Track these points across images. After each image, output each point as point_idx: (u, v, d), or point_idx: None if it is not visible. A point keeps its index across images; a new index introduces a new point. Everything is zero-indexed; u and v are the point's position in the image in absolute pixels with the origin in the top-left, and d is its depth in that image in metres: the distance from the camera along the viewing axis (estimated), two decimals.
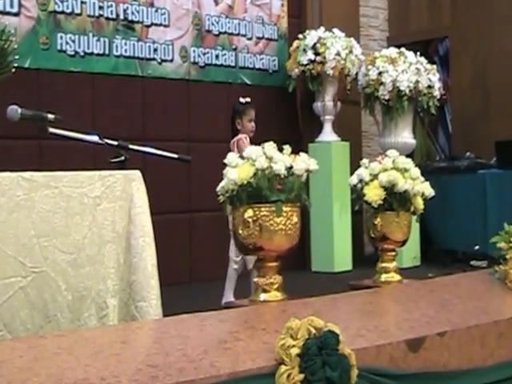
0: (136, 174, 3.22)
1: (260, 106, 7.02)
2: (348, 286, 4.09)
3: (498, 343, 3.09)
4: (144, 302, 3.14)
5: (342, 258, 6.91)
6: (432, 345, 2.82)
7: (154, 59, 6.42)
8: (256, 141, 6.39)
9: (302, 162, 3.25)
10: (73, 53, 5.98)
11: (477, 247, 6.53)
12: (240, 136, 5.22)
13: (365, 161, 3.90)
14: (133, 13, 6.31)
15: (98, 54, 6.12)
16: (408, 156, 7.36)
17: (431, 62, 7.79)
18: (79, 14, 6.01)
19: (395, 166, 3.83)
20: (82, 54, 6.03)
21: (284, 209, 3.22)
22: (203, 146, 6.47)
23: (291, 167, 3.25)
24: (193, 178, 6.37)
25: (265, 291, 3.33)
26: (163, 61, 6.48)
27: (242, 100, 5.34)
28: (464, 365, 2.91)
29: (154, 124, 6.35)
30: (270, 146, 3.28)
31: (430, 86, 7.13)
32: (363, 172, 3.81)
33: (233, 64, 6.93)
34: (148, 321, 3.06)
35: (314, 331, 2.42)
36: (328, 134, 7.17)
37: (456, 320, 3.08)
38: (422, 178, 3.92)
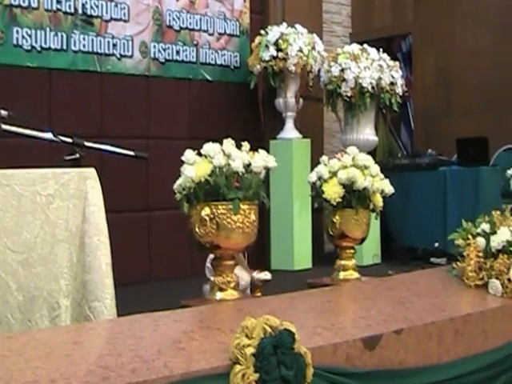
0: (91, 172, 3.20)
1: (221, 102, 7.03)
2: (306, 284, 4.11)
3: (455, 340, 3.13)
4: (98, 301, 3.12)
5: (301, 256, 6.91)
6: (388, 342, 2.84)
7: (113, 55, 6.36)
8: (217, 138, 6.40)
9: (261, 160, 3.26)
10: (29, 48, 5.90)
11: (436, 244, 6.57)
12: None
13: (324, 158, 3.91)
14: (92, 7, 6.25)
15: (55, 49, 6.03)
16: (370, 153, 7.46)
17: (394, 58, 7.83)
18: (36, 8, 5.93)
19: (355, 164, 3.85)
20: (38, 49, 5.94)
21: (242, 207, 3.22)
22: (163, 144, 6.45)
23: (249, 165, 3.25)
24: (152, 176, 6.33)
25: (221, 290, 3.33)
26: (122, 56, 6.42)
27: None
28: (420, 362, 2.94)
29: (113, 121, 6.30)
30: (229, 143, 3.27)
31: (392, 83, 7.16)
32: (322, 169, 3.82)
33: (194, 60, 6.89)
34: (101, 321, 3.05)
35: (269, 330, 2.43)
36: (289, 131, 7.17)
37: (413, 317, 3.11)
38: (382, 176, 3.94)
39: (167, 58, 6.72)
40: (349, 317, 3.16)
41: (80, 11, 6.18)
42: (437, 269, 4.13)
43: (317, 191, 3.88)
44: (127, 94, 6.43)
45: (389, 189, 3.99)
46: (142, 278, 6.09)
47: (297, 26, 6.99)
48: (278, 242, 7.01)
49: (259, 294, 4.07)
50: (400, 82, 7.24)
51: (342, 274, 3.97)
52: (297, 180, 6.84)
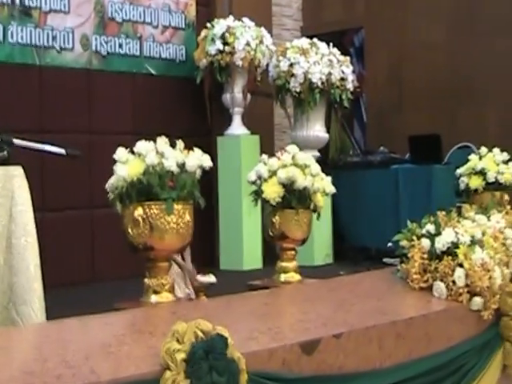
0: (18, 170, 3.16)
1: (166, 97, 6.99)
2: (246, 286, 4.11)
3: (396, 344, 3.15)
4: (26, 305, 3.09)
5: (251, 256, 6.92)
6: (327, 347, 2.84)
7: (52, 47, 6.30)
8: (162, 133, 6.37)
9: (195, 159, 3.24)
10: None
11: (390, 244, 6.59)
12: None
13: (264, 156, 3.91)
14: None
15: None
16: (321, 150, 7.51)
17: (346, 53, 7.88)
18: None
19: (295, 163, 3.85)
20: None
21: (176, 207, 3.21)
22: (106, 139, 6.39)
23: (184, 163, 3.24)
24: (95, 172, 6.27)
25: (155, 292, 3.32)
26: (63, 49, 6.36)
27: None
28: (361, 367, 2.95)
29: (53, 116, 6.23)
30: (162, 141, 3.26)
31: (342, 79, 7.20)
32: (262, 168, 3.82)
33: (137, 53, 6.86)
34: (28, 325, 3.02)
35: (201, 335, 2.42)
36: (237, 127, 7.17)
37: (353, 321, 3.12)
38: (323, 175, 3.95)
39: (109, 51, 6.68)
40: (286, 320, 3.16)
41: (17, 2, 6.10)
42: (382, 270, 4.15)
43: (256, 191, 3.87)
44: (68, 88, 6.36)
45: (330, 188, 3.99)
46: (84, 278, 6.02)
47: (244, 19, 6.99)
48: (227, 241, 7.01)
49: (204, 297, 4.06)
50: (351, 77, 7.29)
51: (282, 276, 3.96)
52: (246, 177, 6.83)
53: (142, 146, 3.24)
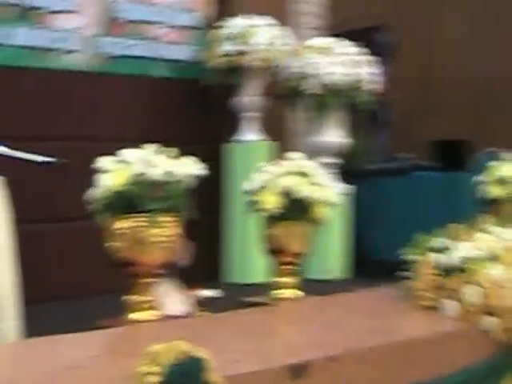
0: None
1: (174, 101, 6.94)
2: (239, 303, 4.02)
3: (397, 368, 3.05)
4: (1, 322, 3.06)
5: (258, 269, 6.83)
6: (319, 370, 2.76)
7: (54, 49, 6.29)
8: (169, 140, 6.31)
9: (183, 167, 3.18)
10: None
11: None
12: None
13: (264, 164, 3.83)
14: None
15: None
16: (341, 157, 7.41)
17: (374, 52, 7.76)
18: None
19: (295, 170, 3.75)
20: None
21: (161, 219, 3.15)
22: (109, 146, 6.34)
23: (171, 172, 3.18)
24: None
25: (138, 310, 3.26)
26: (67, 51, 6.35)
27: None
28: None
29: (54, 122, 6.22)
30: (149, 149, 3.21)
31: (364, 80, 7.08)
32: (260, 176, 3.73)
33: (145, 55, 6.83)
34: None
35: (178, 357, 2.37)
36: (248, 133, 7.08)
37: (350, 342, 3.03)
38: (330, 183, 3.84)
39: (115, 52, 6.64)
40: (276, 341, 3.07)
41: (20, 2, 6.10)
42: (389, 286, 4.05)
43: (253, 201, 3.79)
44: (69, 92, 6.34)
45: (334, 199, 3.87)
46: (58, 294, 5.88)
47: (257, 17, 6.92)
48: (234, 253, 6.94)
49: (206, 312, 4.01)
50: (373, 78, 7.14)
51: (279, 293, 3.87)
52: None
53: (126, 153, 3.18)
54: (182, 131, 6.59)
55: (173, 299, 3.94)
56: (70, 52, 6.37)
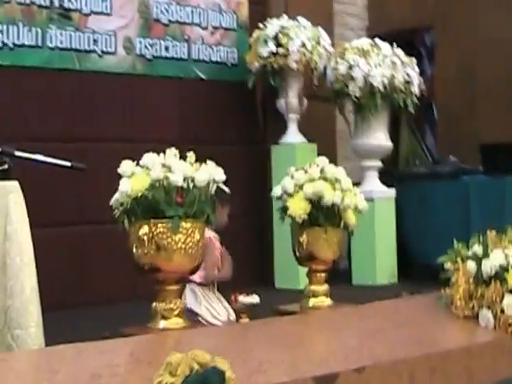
0: (14, 186, 3.12)
1: (216, 103, 6.92)
2: (272, 311, 3.97)
3: (431, 380, 2.98)
4: (21, 329, 3.06)
5: (301, 274, 6.78)
6: (347, 382, 2.70)
7: (93, 51, 6.31)
8: (211, 143, 6.29)
9: (205, 173, 3.14)
10: (0, 45, 5.88)
11: None
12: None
13: (292, 169, 3.78)
14: None
15: (29, 46, 6.00)
16: (387, 160, 7.33)
17: (417, 53, 7.66)
18: (7, 2, 5.90)
19: (323, 176, 3.70)
20: (11, 45, 5.92)
21: (184, 225, 3.12)
22: (149, 148, 6.34)
23: (193, 178, 3.15)
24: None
25: (164, 318, 3.23)
26: (104, 53, 6.36)
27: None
28: None
29: (94, 123, 6.25)
30: (171, 153, 3.18)
31: (407, 82, 6.99)
32: (287, 182, 3.69)
33: (185, 57, 6.81)
34: (19, 352, 2.98)
35: (196, 367, 2.34)
36: (293, 135, 7.04)
37: (380, 353, 2.96)
38: (356, 190, 3.78)
39: (155, 54, 6.65)
40: (304, 351, 3.01)
41: (56, 4, 6.14)
42: (426, 295, 3.97)
43: (281, 207, 3.74)
44: (110, 94, 6.36)
45: (363, 205, 3.82)
46: (76, 301, 5.81)
47: (299, 18, 6.87)
48: (283, 258, 6.88)
49: (246, 319, 3.97)
50: (417, 80, 7.06)
51: (311, 301, 3.81)
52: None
53: (148, 158, 3.16)
54: (227, 134, 6.59)
55: (208, 307, 3.93)
56: (108, 54, 6.37)
